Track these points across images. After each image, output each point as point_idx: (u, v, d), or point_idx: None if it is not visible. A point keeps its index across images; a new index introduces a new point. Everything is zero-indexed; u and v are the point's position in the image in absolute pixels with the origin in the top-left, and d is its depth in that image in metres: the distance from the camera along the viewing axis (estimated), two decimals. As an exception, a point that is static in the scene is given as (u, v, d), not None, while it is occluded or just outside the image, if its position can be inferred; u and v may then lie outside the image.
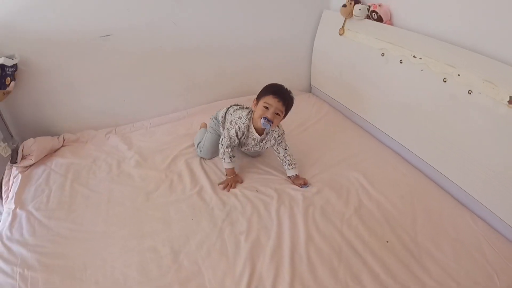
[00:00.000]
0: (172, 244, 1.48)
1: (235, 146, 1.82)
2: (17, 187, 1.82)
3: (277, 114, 1.69)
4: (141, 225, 1.59)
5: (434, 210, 1.57)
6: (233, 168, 1.81)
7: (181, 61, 2.24)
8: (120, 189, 1.80)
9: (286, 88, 1.74)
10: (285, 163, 1.82)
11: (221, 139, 1.83)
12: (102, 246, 1.49)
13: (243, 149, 1.91)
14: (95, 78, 2.10)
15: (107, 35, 1.99)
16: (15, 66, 1.87)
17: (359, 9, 1.95)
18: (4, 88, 1.82)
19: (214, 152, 1.96)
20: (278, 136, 1.82)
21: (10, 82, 1.85)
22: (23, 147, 1.97)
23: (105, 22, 1.97)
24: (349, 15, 2.04)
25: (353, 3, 2.00)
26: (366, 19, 1.99)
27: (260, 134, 1.80)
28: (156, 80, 2.25)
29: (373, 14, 1.91)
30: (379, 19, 1.90)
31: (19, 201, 1.73)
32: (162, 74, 2.24)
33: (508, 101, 1.33)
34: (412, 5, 1.80)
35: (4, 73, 1.80)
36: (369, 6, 1.95)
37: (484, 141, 1.48)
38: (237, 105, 1.94)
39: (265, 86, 1.76)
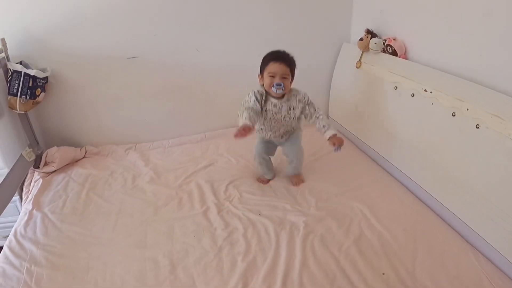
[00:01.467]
0: (172, 257, 1.53)
1: (258, 109, 1.74)
2: (36, 190, 1.99)
3: (284, 78, 1.67)
4: (146, 236, 1.67)
5: (436, 245, 1.51)
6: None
7: (202, 86, 2.36)
8: (131, 201, 1.90)
9: (283, 51, 1.72)
10: (318, 125, 1.76)
11: (240, 106, 1.77)
12: (106, 251, 1.58)
13: (269, 120, 1.82)
14: (119, 96, 2.26)
15: (133, 57, 2.15)
16: (46, 78, 2.07)
17: (375, 43, 1.99)
18: (34, 98, 2.02)
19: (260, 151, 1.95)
20: (304, 97, 1.79)
21: (40, 93, 2.05)
22: (46, 154, 2.14)
23: (133, 44, 2.14)
24: (366, 48, 2.09)
25: (369, 36, 2.05)
26: (382, 53, 2.03)
27: (278, 99, 1.76)
28: (177, 102, 2.38)
29: (388, 47, 1.95)
30: (394, 53, 1.93)
31: (37, 203, 1.89)
32: (183, 97, 2.37)
33: (515, 136, 1.31)
34: (425, 40, 1.82)
35: (35, 84, 2.00)
36: (385, 40, 1.99)
37: (491, 176, 1.44)
38: None
39: (263, 57, 1.74)
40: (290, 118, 1.81)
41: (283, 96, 1.77)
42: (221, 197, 1.91)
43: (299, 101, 1.79)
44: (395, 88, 1.91)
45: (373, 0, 2.19)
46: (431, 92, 1.68)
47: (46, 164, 2.12)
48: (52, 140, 2.25)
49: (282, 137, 1.90)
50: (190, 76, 2.29)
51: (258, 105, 1.74)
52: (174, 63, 2.23)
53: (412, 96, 1.80)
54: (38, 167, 2.10)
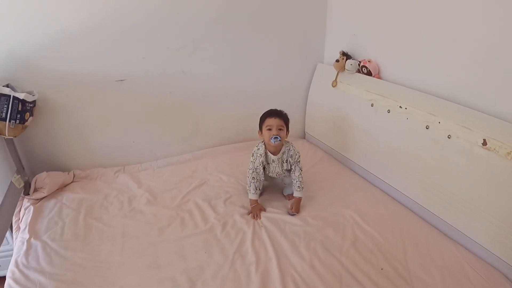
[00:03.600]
0: (189, 274, 1.59)
1: (261, 176, 2.04)
2: (29, 218, 1.94)
3: (280, 129, 1.94)
4: (157, 257, 1.70)
5: (421, 241, 1.76)
6: (256, 200, 2.04)
7: (188, 107, 2.45)
8: (133, 224, 1.92)
9: (277, 109, 2.01)
10: (295, 183, 2.03)
11: (248, 171, 2.05)
12: (120, 275, 1.60)
13: (270, 173, 2.10)
14: (107, 119, 2.27)
15: (122, 80, 2.18)
16: (34, 102, 2.02)
17: (351, 64, 2.23)
18: (23, 123, 1.97)
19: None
20: (295, 154, 2.04)
21: (29, 117, 1.99)
22: (36, 180, 2.09)
23: (122, 67, 2.17)
24: (342, 69, 2.32)
25: (345, 58, 2.28)
26: (357, 73, 2.27)
27: (275, 154, 2.02)
28: (165, 123, 2.43)
29: (363, 68, 2.19)
30: (369, 73, 2.17)
31: (33, 231, 1.85)
32: (170, 118, 2.43)
33: (482, 143, 1.59)
34: (397, 61, 2.08)
35: (24, 108, 1.94)
36: (359, 62, 2.23)
37: (462, 178, 1.71)
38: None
39: (261, 116, 2.01)
40: (285, 169, 2.10)
41: (279, 150, 2.03)
42: (221, 213, 1.99)
43: (291, 156, 2.06)
44: (372, 105, 2.15)
45: (346, 24, 2.42)
46: (405, 108, 1.94)
47: (35, 190, 2.06)
48: (36, 165, 2.19)
49: (280, 178, 2.19)
50: (177, 98, 2.37)
51: (261, 170, 2.03)
52: (161, 85, 2.29)
53: (388, 112, 2.05)
54: (28, 194, 2.03)
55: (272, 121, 1.93)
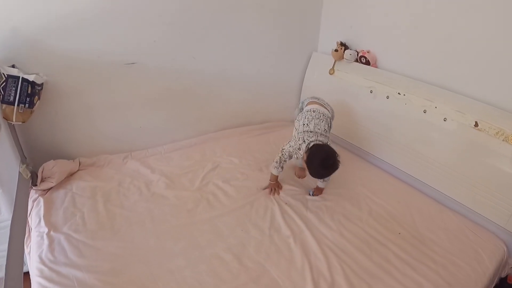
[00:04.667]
0: (232, 251, 1.67)
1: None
2: (41, 210, 1.80)
3: None
4: (195, 238, 1.74)
5: (424, 210, 2.05)
6: (277, 176, 2.10)
7: (196, 92, 2.45)
8: (158, 208, 1.91)
9: (331, 172, 1.86)
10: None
11: (282, 150, 2.04)
12: (163, 259, 1.60)
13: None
14: (114, 104, 2.18)
15: (132, 63, 2.11)
16: (42, 85, 1.86)
17: (350, 54, 2.43)
18: (32, 107, 1.81)
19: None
20: None
21: (37, 101, 1.84)
22: (43, 169, 1.94)
23: (132, 50, 2.10)
24: (340, 58, 2.51)
25: (343, 48, 2.48)
26: (355, 62, 2.48)
27: None
28: (171, 108, 2.41)
29: (362, 58, 2.41)
30: (367, 63, 2.39)
31: (50, 224, 1.73)
32: (177, 103, 2.41)
33: (474, 125, 1.90)
34: (393, 53, 2.33)
35: (33, 91, 1.79)
36: (358, 52, 2.44)
37: (457, 155, 2.02)
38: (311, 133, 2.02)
39: (317, 164, 1.82)
40: None
41: None
42: (245, 193, 2.07)
43: None
44: (371, 91, 2.38)
45: (343, 16, 2.61)
46: (404, 95, 2.20)
47: (42, 180, 1.91)
48: (39, 154, 2.03)
49: None
50: (185, 82, 2.35)
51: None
52: (170, 70, 2.26)
53: (387, 98, 2.29)
54: (35, 185, 1.88)
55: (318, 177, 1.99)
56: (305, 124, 2.02)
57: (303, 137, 1.96)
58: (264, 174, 2.24)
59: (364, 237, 1.82)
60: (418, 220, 1.97)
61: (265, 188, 2.12)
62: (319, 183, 2.11)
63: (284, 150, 2.03)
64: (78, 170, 2.11)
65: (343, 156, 2.60)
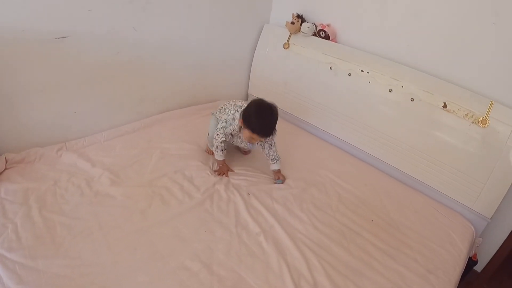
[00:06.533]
0: (200, 258, 1.47)
1: (228, 141, 1.96)
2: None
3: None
4: (155, 246, 1.50)
5: (391, 193, 2.02)
6: (224, 159, 1.97)
7: (136, 70, 2.13)
8: (106, 211, 1.62)
9: (273, 120, 1.81)
10: (268, 158, 2.00)
11: (215, 134, 1.90)
12: (121, 276, 1.34)
13: (233, 144, 2.03)
14: (43, 86, 1.79)
15: (63, 37, 1.72)
16: None
17: (308, 27, 2.24)
18: None
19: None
20: (271, 139, 1.96)
21: None
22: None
23: (63, 22, 1.72)
24: (296, 31, 2.32)
25: (300, 20, 2.27)
26: (312, 36, 2.30)
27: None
28: (110, 89, 2.06)
29: (320, 32, 2.23)
30: (326, 37, 2.23)
31: None
32: (116, 82, 2.07)
33: (442, 106, 1.87)
34: (355, 27, 2.21)
35: None
36: (316, 25, 2.26)
37: (424, 136, 1.99)
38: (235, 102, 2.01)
39: (251, 117, 1.78)
40: (252, 146, 2.01)
41: None
42: (201, 184, 1.86)
43: (266, 141, 1.97)
44: (331, 68, 2.24)
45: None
46: (367, 72, 2.10)
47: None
48: None
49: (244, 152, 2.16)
50: (125, 59, 2.01)
51: (230, 137, 1.95)
52: (109, 44, 1.90)
53: (349, 76, 2.17)
54: None
55: (258, 138, 1.81)
56: (230, 103, 1.99)
57: (235, 107, 1.94)
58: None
59: (338, 227, 1.74)
60: (389, 204, 1.94)
61: (215, 172, 1.96)
62: (272, 165, 2.00)
63: (218, 132, 1.90)
64: (5, 169, 1.72)
65: (301, 136, 2.54)
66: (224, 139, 1.89)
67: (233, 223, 1.67)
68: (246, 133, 1.82)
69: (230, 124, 1.89)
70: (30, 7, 1.60)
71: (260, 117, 1.78)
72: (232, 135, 1.93)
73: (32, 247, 1.40)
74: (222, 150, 1.93)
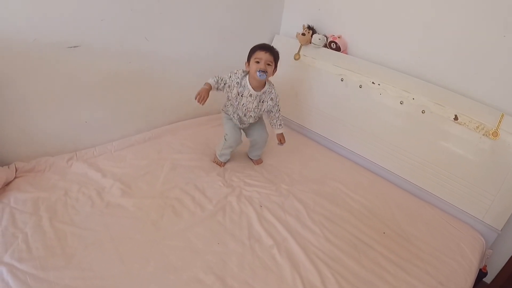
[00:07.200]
0: (213, 271, 1.45)
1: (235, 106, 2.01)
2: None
3: (268, 64, 1.88)
4: (167, 257, 1.48)
5: (402, 204, 2.01)
6: (210, 87, 1.90)
7: (147, 80, 2.12)
8: (117, 222, 1.60)
9: (269, 44, 1.95)
10: (274, 122, 2.10)
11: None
12: None
13: (239, 110, 2.02)
14: (55, 95, 1.79)
15: (75, 46, 1.71)
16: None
17: (319, 39, 2.25)
18: None
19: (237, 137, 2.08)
20: (276, 97, 2.03)
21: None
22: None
23: (75, 31, 1.71)
24: (307, 42, 2.32)
25: (311, 32, 2.28)
26: (323, 48, 2.31)
27: (256, 90, 1.95)
28: (120, 99, 2.05)
29: (331, 44, 2.24)
30: (337, 49, 2.24)
31: None
32: (127, 92, 2.06)
33: (453, 118, 1.87)
34: (365, 39, 2.21)
35: None
36: (327, 37, 2.27)
37: (435, 148, 1.98)
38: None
39: (252, 48, 1.92)
40: (258, 109, 2.03)
41: (261, 87, 1.96)
42: (213, 196, 1.85)
43: (271, 99, 2.02)
44: (342, 79, 2.24)
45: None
46: (379, 84, 2.10)
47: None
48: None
49: (248, 119, 2.08)
50: (137, 67, 2.01)
51: (232, 85, 1.95)
52: (121, 53, 1.90)
53: (360, 87, 2.17)
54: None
55: (262, 55, 1.86)
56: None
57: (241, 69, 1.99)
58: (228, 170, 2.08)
59: (350, 239, 1.72)
60: (399, 216, 1.92)
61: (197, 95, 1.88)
62: (277, 129, 2.11)
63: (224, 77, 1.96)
64: (15, 178, 1.70)
65: (311, 147, 2.53)
66: (222, 82, 1.93)
67: (246, 236, 1.65)
68: (252, 65, 1.88)
69: (233, 77, 1.94)
70: (43, 16, 1.60)
71: (256, 44, 1.92)
72: (238, 93, 1.95)
73: (43, 258, 1.37)
74: (217, 83, 1.93)
